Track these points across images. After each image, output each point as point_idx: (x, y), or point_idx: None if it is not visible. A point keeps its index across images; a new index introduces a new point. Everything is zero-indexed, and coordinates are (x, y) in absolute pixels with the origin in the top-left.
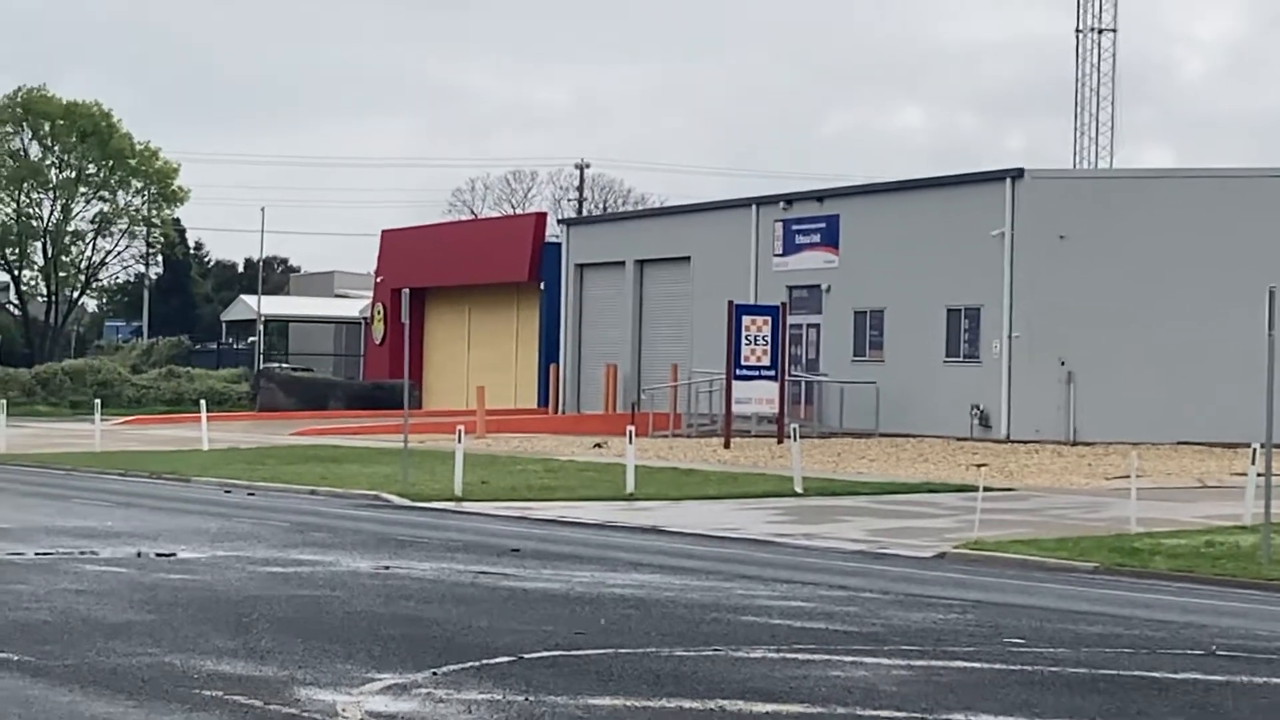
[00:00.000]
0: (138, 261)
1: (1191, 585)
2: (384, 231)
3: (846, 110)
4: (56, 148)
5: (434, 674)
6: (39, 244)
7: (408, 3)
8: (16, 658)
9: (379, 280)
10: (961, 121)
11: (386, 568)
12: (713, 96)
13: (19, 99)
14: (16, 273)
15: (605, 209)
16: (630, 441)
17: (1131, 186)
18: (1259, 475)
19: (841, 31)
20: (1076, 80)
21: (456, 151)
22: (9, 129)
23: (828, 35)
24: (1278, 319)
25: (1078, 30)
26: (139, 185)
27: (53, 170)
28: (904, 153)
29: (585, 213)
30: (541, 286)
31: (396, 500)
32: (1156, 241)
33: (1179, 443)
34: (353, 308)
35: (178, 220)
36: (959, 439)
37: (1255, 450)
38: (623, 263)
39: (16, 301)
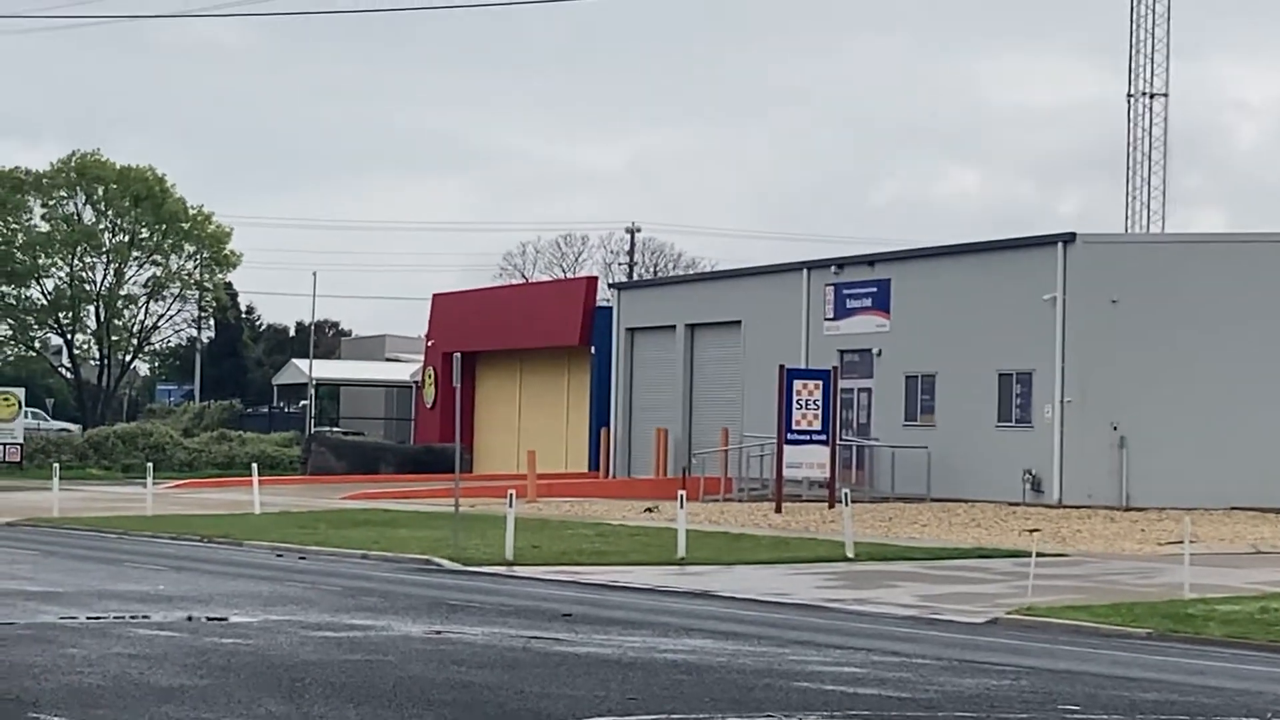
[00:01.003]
0: (190, 325)
1: (1245, 652)
2: (435, 295)
3: (899, 174)
4: (110, 212)
5: None
6: (92, 308)
7: (459, 67)
8: None
9: (430, 344)
10: (1014, 186)
11: (439, 632)
12: (764, 160)
13: (73, 164)
14: (70, 336)
15: (656, 273)
16: (681, 506)
17: (1183, 251)
18: None
19: (894, 96)
20: (1128, 145)
21: (508, 215)
22: (63, 193)
23: (880, 99)
24: None
25: (1129, 95)
26: (192, 249)
27: (106, 235)
28: (956, 217)
29: (636, 276)
30: (592, 350)
31: (448, 565)
32: (1208, 306)
33: (1232, 508)
34: (404, 371)
35: (230, 284)
36: (1011, 504)
37: None
38: (673, 326)
39: (69, 365)
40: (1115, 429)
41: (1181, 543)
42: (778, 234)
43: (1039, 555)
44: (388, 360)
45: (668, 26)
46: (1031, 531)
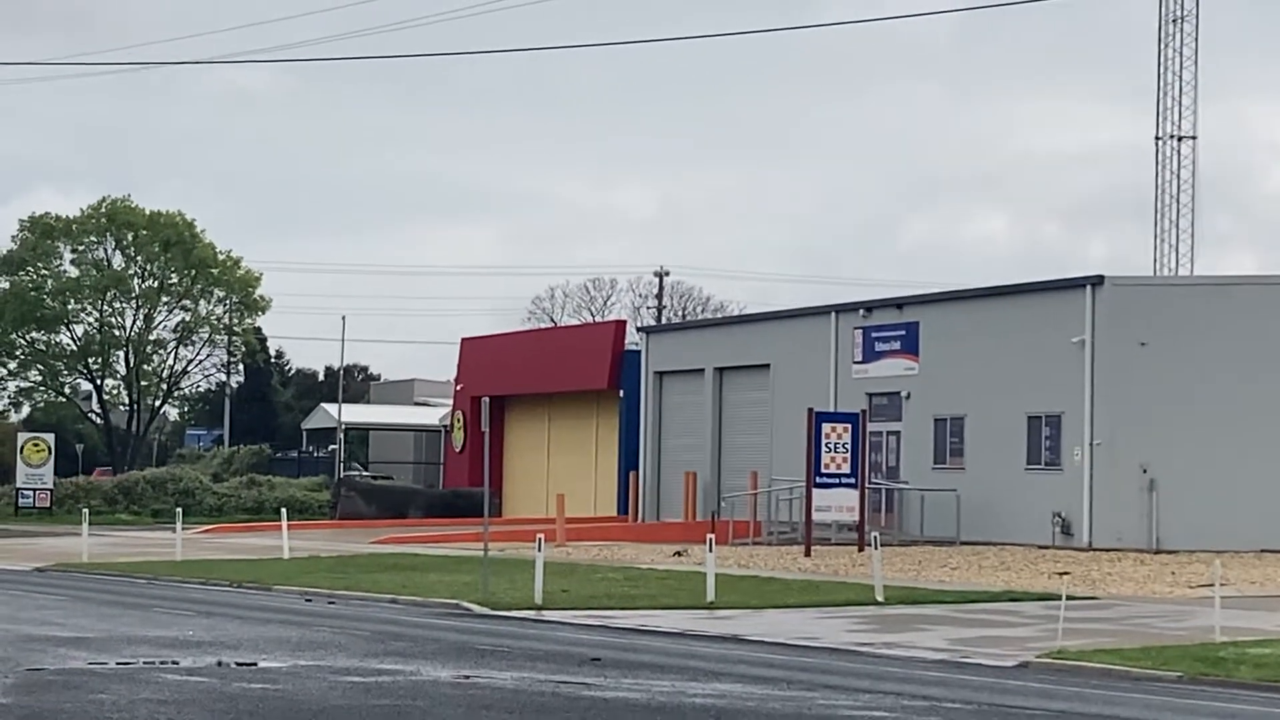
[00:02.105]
0: (219, 370)
1: (1277, 695)
2: (463, 339)
3: (928, 218)
4: (140, 257)
5: None
6: (121, 353)
7: (490, 110)
8: None
9: (459, 388)
10: (1043, 229)
11: (467, 677)
12: (793, 203)
13: (103, 209)
14: (99, 381)
15: (684, 316)
16: (710, 549)
17: (1212, 293)
18: None
19: (924, 139)
20: (1156, 188)
21: (537, 259)
22: (93, 239)
23: (910, 143)
24: None
25: (1157, 138)
26: (221, 294)
27: (136, 280)
28: (986, 261)
29: (664, 320)
30: (621, 394)
31: (477, 609)
32: (1238, 348)
33: (1263, 551)
34: (433, 415)
35: (259, 329)
36: (1040, 547)
37: None
38: (702, 370)
39: (99, 410)
40: (1145, 471)
41: (1212, 585)
42: (807, 277)
43: (1069, 598)
44: (416, 404)
45: (699, 71)
46: (1061, 574)
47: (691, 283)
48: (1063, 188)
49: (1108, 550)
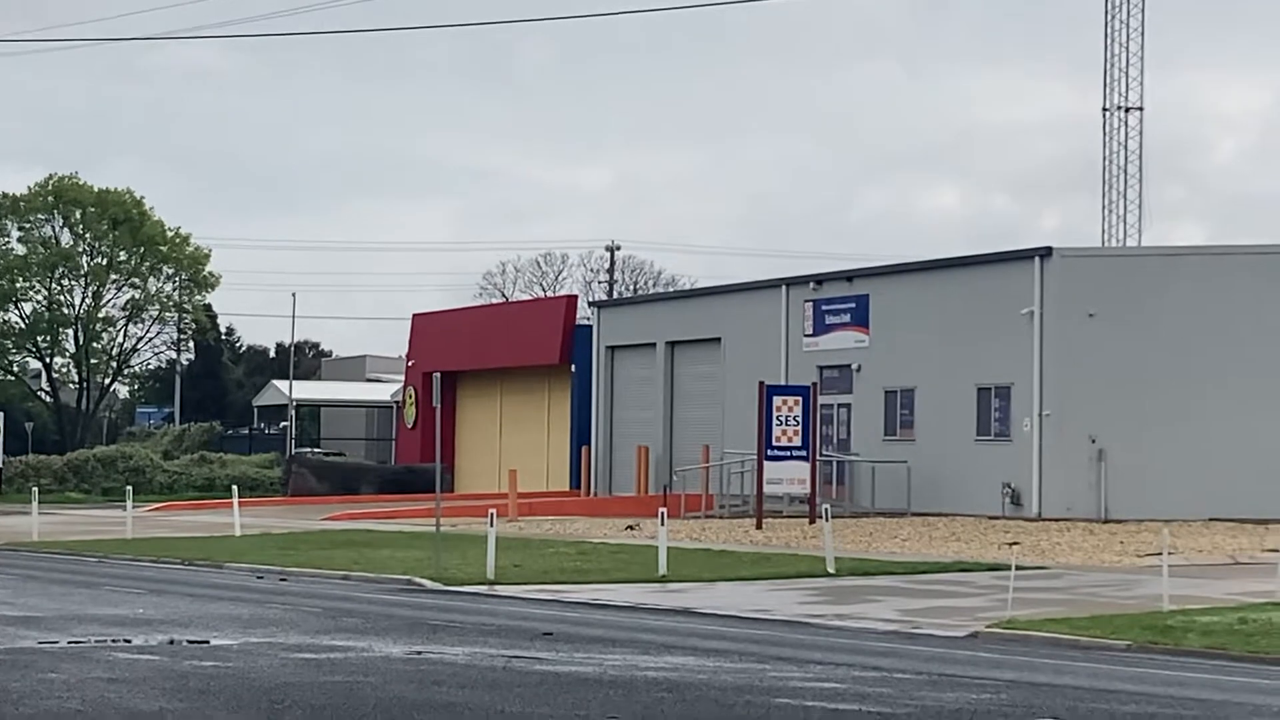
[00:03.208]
0: (169, 348)
1: (1225, 663)
2: (415, 315)
3: (880, 191)
4: (88, 235)
5: None
6: (70, 331)
7: (441, 87)
8: None
9: (410, 364)
10: (994, 201)
11: (419, 653)
12: (746, 178)
13: (50, 187)
14: (48, 360)
15: (636, 291)
16: (662, 523)
17: (1160, 264)
18: None
19: (875, 113)
20: (1104, 159)
21: (489, 235)
22: (41, 216)
23: (862, 117)
24: None
25: (1105, 109)
26: (170, 271)
27: (84, 257)
28: (937, 233)
29: (616, 295)
30: (573, 369)
31: (429, 584)
32: (1186, 318)
33: (1210, 519)
34: (384, 392)
35: (209, 306)
36: (991, 517)
37: None
38: (654, 344)
39: (48, 389)
40: (1094, 442)
41: (1160, 554)
42: (760, 251)
43: (1019, 568)
44: (368, 381)
45: (651, 47)
46: (1011, 545)
47: (643, 257)
48: (1014, 160)
49: (1057, 520)
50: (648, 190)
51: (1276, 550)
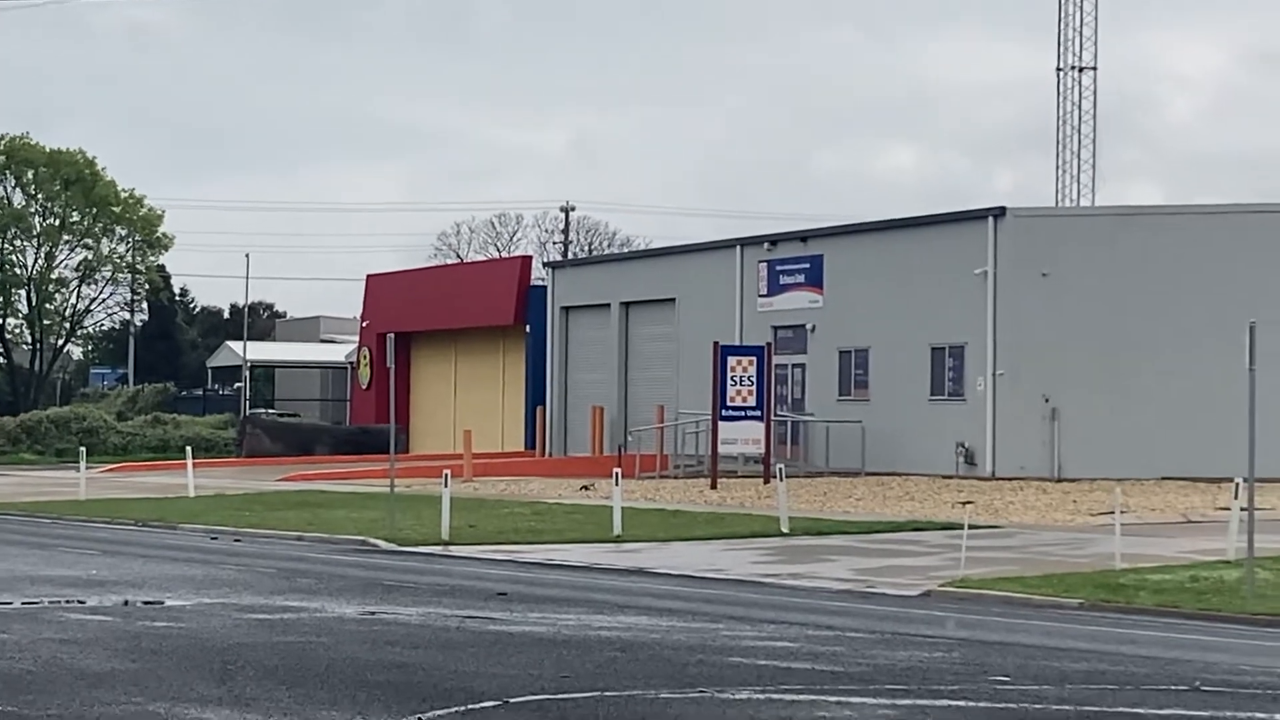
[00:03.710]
0: (122, 309)
1: (1176, 621)
2: (369, 276)
3: (835, 152)
4: (40, 195)
5: (419, 719)
6: (22, 292)
7: (396, 47)
8: None
9: (364, 325)
10: (950, 162)
11: (372, 613)
12: (702, 139)
13: (2, 147)
14: (1, 321)
15: (590, 252)
16: (617, 483)
17: (1112, 224)
18: (1242, 510)
19: (830, 74)
20: (1058, 119)
21: (444, 196)
22: None
23: (817, 78)
24: (1258, 354)
25: (1058, 69)
26: (123, 232)
27: (36, 218)
28: (893, 194)
29: (571, 256)
30: (527, 329)
31: (383, 545)
32: (1138, 278)
33: (1163, 478)
34: (339, 353)
35: (162, 267)
36: (944, 477)
37: (1238, 485)
38: (608, 305)
39: (1, 350)
40: (1047, 401)
41: (1113, 513)
42: (716, 212)
43: (972, 527)
44: (322, 342)
45: (606, 7)
46: (965, 504)
47: (598, 218)
48: (969, 121)
49: (1010, 479)
50: (603, 151)
51: (1228, 509)
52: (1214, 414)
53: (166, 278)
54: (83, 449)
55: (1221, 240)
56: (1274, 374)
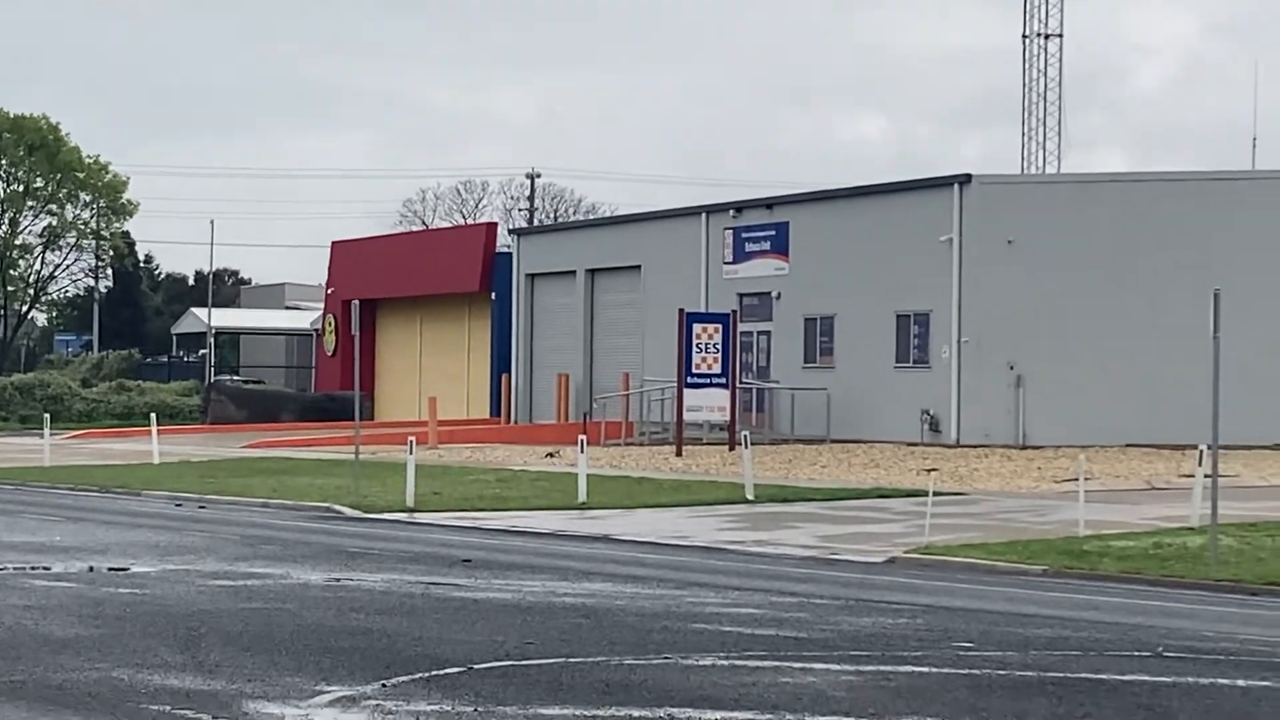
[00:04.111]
0: (87, 275)
1: (1139, 587)
2: (334, 243)
3: (804, 119)
4: (3, 161)
5: (383, 685)
6: None
7: (364, 13)
8: None
9: (330, 292)
10: (918, 130)
11: (337, 580)
12: (671, 106)
13: None
14: None
15: (556, 218)
16: (582, 450)
17: (1078, 191)
18: (1206, 477)
19: (799, 42)
20: (1024, 87)
21: (410, 163)
22: None
23: (786, 46)
24: (1223, 321)
25: (1024, 36)
26: (88, 199)
27: (0, 184)
28: (860, 161)
29: (536, 222)
30: (493, 296)
31: (348, 512)
32: (1103, 245)
33: (1127, 445)
34: (304, 320)
35: (127, 233)
36: (909, 444)
37: (1202, 452)
38: (574, 272)
39: None
40: (1012, 368)
41: (1077, 480)
42: (682, 179)
43: (936, 494)
44: (288, 308)
45: None
46: (929, 471)
47: (564, 185)
48: (937, 89)
49: (975, 447)
50: (570, 118)
51: (1192, 476)
52: (1178, 381)
53: (131, 244)
54: (47, 415)
55: (1186, 208)
56: (1238, 341)
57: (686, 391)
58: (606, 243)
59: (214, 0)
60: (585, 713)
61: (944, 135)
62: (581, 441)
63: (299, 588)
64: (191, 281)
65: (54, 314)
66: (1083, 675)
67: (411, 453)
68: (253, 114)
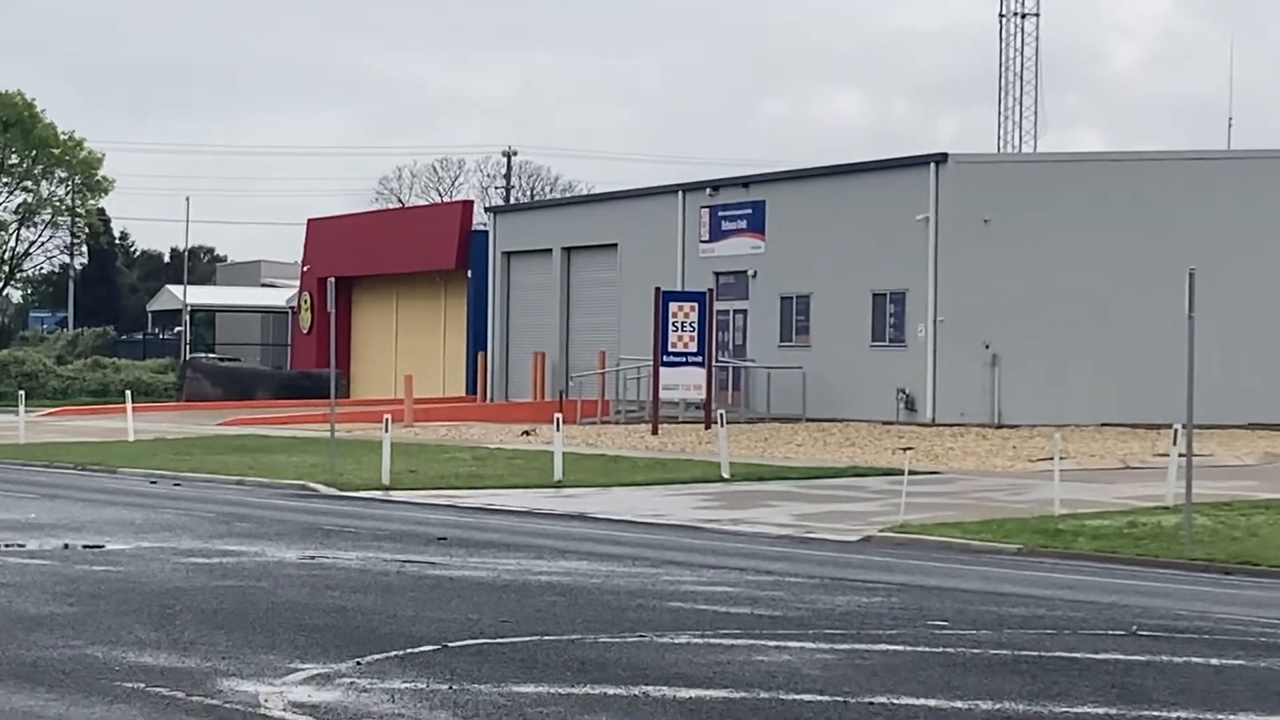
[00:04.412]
0: (62, 252)
1: (1114, 566)
2: (310, 220)
3: (782, 98)
4: None
5: (358, 663)
6: None
7: None
8: None
9: (305, 269)
10: (896, 108)
11: (312, 558)
12: (649, 85)
13: None
14: None
15: (533, 197)
16: (558, 428)
17: (1054, 170)
18: (1181, 456)
19: (777, 20)
20: (1000, 65)
21: (388, 141)
22: None
23: (764, 24)
24: (1198, 301)
25: (1001, 15)
26: (63, 175)
27: None
28: (837, 140)
29: (513, 200)
30: (469, 274)
31: (324, 490)
32: (1079, 225)
33: (1102, 424)
34: (280, 297)
35: (102, 210)
36: (885, 423)
37: (1177, 431)
38: (550, 250)
39: None
40: (988, 348)
41: (1052, 459)
42: (659, 157)
43: (912, 473)
44: (263, 286)
45: None
46: (905, 450)
47: (541, 163)
48: (914, 67)
49: (951, 425)
50: (548, 96)
51: (1167, 455)
52: (1153, 361)
53: (106, 221)
54: (21, 393)
55: (1162, 187)
56: (1214, 321)
57: (663, 370)
58: (583, 221)
59: None
60: (560, 691)
61: (921, 114)
62: (557, 420)
63: (274, 565)
64: (167, 259)
65: (29, 291)
66: (1057, 654)
67: (387, 431)
68: (229, 91)
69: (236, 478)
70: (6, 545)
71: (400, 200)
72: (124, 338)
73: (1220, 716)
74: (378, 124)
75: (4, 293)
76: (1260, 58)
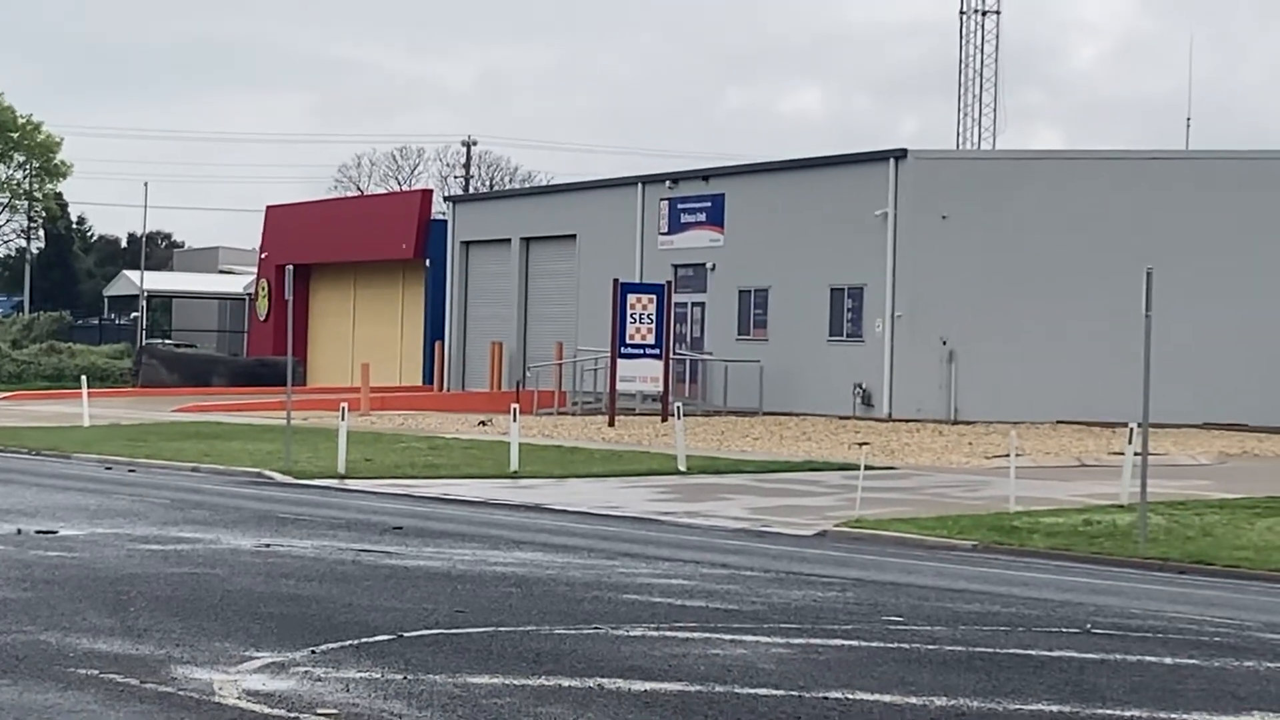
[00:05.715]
0: (19, 236)
1: (1069, 564)
2: (269, 207)
3: (743, 92)
4: None
5: (312, 652)
6: None
7: None
8: None
9: (263, 256)
10: (856, 103)
11: (267, 546)
12: (610, 77)
13: None
14: None
15: (492, 187)
16: (515, 419)
17: (1012, 168)
18: (1136, 455)
19: (739, 13)
20: (960, 62)
21: (346, 128)
22: None
23: (726, 17)
24: (1155, 300)
25: (962, 12)
26: (20, 159)
27: None
28: (798, 134)
29: (472, 190)
30: (427, 264)
31: (279, 478)
32: (1037, 222)
33: (1058, 422)
34: (237, 284)
35: (60, 194)
36: (842, 417)
37: (1132, 430)
38: (509, 240)
39: None
40: (944, 344)
41: (1008, 456)
42: (619, 149)
43: (868, 468)
44: (221, 272)
45: None
46: (861, 445)
47: (500, 153)
48: (875, 63)
49: (907, 421)
50: (509, 86)
51: (1122, 453)
52: (1110, 359)
53: (64, 205)
54: None
55: (1121, 185)
56: (1170, 320)
57: (620, 362)
58: (542, 211)
59: None
60: (515, 682)
61: (881, 110)
62: (514, 410)
63: (229, 553)
64: (124, 244)
65: None
66: (1011, 651)
67: (343, 419)
68: (188, 76)
69: (192, 464)
70: None
71: (359, 188)
72: (80, 323)
73: (1173, 715)
74: (337, 111)
75: None
76: (1220, 59)
